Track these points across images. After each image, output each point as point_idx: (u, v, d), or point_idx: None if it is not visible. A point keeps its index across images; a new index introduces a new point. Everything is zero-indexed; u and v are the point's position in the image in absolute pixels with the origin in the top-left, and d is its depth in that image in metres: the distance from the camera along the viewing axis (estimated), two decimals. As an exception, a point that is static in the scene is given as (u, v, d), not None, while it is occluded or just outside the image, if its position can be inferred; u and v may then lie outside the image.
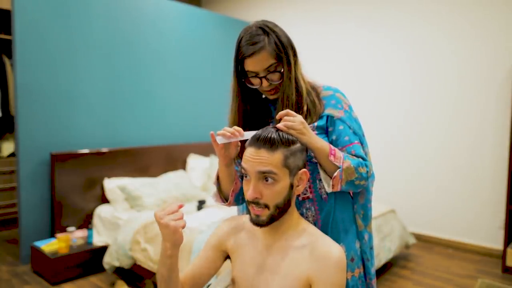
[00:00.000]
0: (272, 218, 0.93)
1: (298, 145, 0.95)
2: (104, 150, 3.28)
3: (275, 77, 1.08)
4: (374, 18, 3.84)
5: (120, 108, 3.50)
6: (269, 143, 0.91)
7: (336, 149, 1.04)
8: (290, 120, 0.97)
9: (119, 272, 2.83)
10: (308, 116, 1.11)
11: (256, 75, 1.08)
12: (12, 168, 3.99)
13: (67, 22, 3.10)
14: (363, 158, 1.09)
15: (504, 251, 2.89)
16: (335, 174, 1.02)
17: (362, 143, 1.14)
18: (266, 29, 1.07)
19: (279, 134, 0.93)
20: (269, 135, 0.92)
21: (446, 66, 3.43)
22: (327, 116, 1.12)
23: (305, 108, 1.10)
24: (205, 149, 4.13)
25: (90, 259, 2.82)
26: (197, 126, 4.21)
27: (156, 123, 3.81)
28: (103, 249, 2.88)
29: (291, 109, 1.07)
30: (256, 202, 0.92)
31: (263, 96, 1.19)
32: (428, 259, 3.15)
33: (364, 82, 3.95)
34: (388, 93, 3.80)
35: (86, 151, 3.17)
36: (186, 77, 4.08)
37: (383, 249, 2.67)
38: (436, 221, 3.56)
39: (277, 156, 0.90)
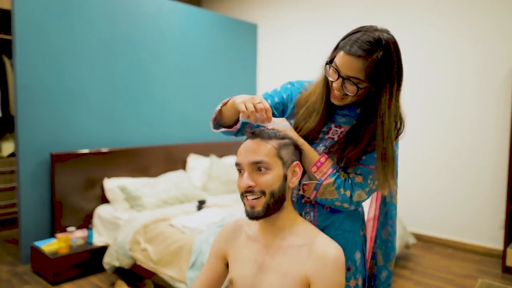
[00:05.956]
0: (268, 208, 0.94)
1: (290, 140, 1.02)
2: (104, 150, 3.28)
3: (351, 88, 0.97)
4: (374, 18, 3.84)
5: (120, 108, 3.50)
6: (263, 134, 0.97)
7: (326, 163, 1.03)
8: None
9: (119, 272, 2.83)
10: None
11: (338, 72, 0.98)
12: (12, 168, 3.99)
13: (67, 22, 3.10)
14: (360, 183, 1.04)
15: (504, 251, 2.89)
16: (310, 182, 1.04)
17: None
18: (383, 44, 0.96)
19: (273, 130, 1.00)
20: (264, 129, 1.00)
21: (446, 66, 3.43)
22: None
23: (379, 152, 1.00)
24: (205, 149, 4.13)
25: (90, 259, 2.82)
26: (197, 126, 4.21)
27: (156, 123, 3.81)
28: (103, 249, 2.88)
29: (390, 142, 0.99)
30: (251, 191, 0.94)
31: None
32: (428, 259, 3.15)
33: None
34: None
35: (86, 151, 3.17)
36: (186, 77, 4.08)
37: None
38: (436, 221, 3.56)
39: (271, 145, 0.95)
